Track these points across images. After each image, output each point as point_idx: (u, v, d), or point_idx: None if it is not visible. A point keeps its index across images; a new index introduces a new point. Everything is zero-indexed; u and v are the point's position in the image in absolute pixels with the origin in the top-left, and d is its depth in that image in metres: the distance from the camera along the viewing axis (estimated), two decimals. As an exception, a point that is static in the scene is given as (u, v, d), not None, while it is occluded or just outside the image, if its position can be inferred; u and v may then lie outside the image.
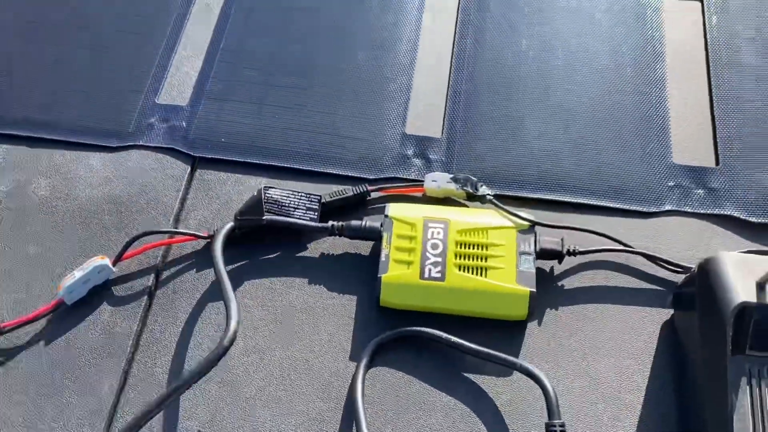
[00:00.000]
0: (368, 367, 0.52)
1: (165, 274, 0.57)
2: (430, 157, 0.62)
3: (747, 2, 0.70)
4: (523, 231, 0.55)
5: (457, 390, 0.52)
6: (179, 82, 0.67)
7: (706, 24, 0.70)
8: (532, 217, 0.56)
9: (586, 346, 0.54)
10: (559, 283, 0.56)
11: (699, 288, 0.49)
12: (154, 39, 0.69)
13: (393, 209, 0.56)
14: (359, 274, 0.56)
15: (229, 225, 0.56)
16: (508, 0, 0.71)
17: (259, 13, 0.71)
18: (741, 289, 0.45)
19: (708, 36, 0.69)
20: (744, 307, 0.44)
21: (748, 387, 0.44)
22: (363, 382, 0.51)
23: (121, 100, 0.66)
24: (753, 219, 0.58)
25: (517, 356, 0.53)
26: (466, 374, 0.52)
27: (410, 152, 0.63)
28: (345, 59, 0.68)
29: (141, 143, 0.63)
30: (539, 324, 0.55)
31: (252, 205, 0.56)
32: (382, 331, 0.54)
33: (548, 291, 0.56)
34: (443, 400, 0.51)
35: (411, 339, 0.53)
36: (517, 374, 0.52)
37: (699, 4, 0.71)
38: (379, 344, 0.53)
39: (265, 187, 0.57)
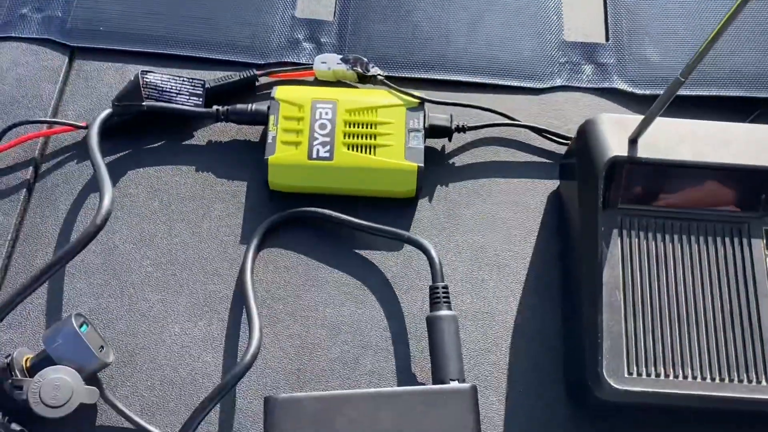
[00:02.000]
0: (258, 249, 0.52)
1: (44, 167, 0.54)
2: (322, 40, 0.61)
3: None
4: (412, 108, 0.55)
5: (348, 265, 0.52)
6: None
7: None
8: (422, 95, 0.55)
9: (475, 220, 0.54)
10: (450, 161, 0.57)
11: (578, 150, 0.50)
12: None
13: (280, 92, 0.55)
14: (249, 159, 0.55)
15: (106, 112, 0.53)
16: None
17: None
18: (614, 145, 0.46)
19: None
20: (615, 161, 0.46)
21: (619, 239, 0.46)
22: (253, 263, 0.51)
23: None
24: (638, 91, 0.59)
25: (407, 230, 0.54)
26: (357, 251, 0.53)
27: (301, 36, 0.61)
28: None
29: (13, 35, 0.60)
30: (430, 200, 0.55)
31: (130, 91, 0.53)
32: (272, 215, 0.53)
33: (440, 168, 0.56)
34: (334, 275, 0.52)
35: (302, 220, 0.53)
36: (406, 248, 0.53)
37: None
38: (269, 226, 0.52)
39: (142, 72, 0.54)
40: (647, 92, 0.59)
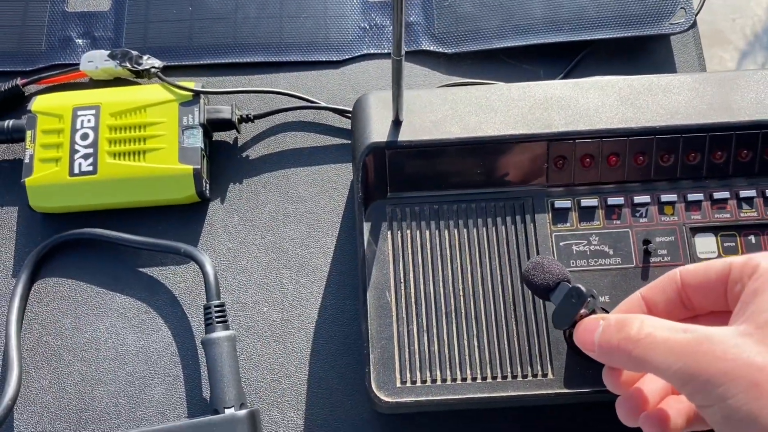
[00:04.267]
0: (31, 281, 0.47)
1: None
2: (96, 35, 0.54)
3: None
4: (186, 103, 0.49)
5: (132, 287, 0.48)
6: None
7: None
8: (200, 87, 0.50)
9: (273, 217, 0.49)
10: (244, 154, 0.52)
11: (352, 134, 0.45)
12: None
13: (38, 102, 0.49)
14: (18, 182, 0.49)
15: None
16: None
17: None
18: (376, 129, 0.41)
19: None
20: (374, 148, 0.41)
21: (389, 232, 0.41)
22: (23, 298, 0.46)
23: None
24: (448, 50, 0.53)
25: (197, 238, 0.49)
26: (141, 269, 0.48)
27: (74, 33, 0.54)
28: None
29: None
30: (222, 201, 0.50)
31: None
32: (46, 240, 0.48)
33: (231, 163, 0.51)
34: (117, 300, 0.47)
35: (78, 243, 0.49)
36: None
37: None
38: (39, 255, 0.48)
39: None
40: (457, 50, 0.53)
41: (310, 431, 0.44)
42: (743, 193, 0.41)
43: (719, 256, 0.40)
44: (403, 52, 0.34)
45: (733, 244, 0.40)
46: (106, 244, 0.48)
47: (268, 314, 0.47)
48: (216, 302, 0.44)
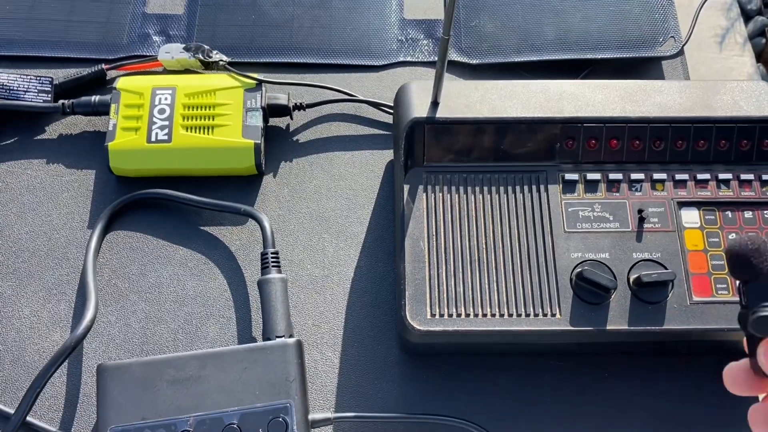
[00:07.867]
0: (105, 232, 0.54)
1: None
2: (171, 33, 0.63)
3: None
4: (250, 89, 0.57)
5: (193, 242, 0.55)
6: None
7: None
8: (261, 77, 0.58)
9: (318, 191, 0.57)
10: (294, 138, 0.60)
11: (394, 116, 0.53)
12: None
13: (122, 82, 0.57)
14: (98, 149, 0.58)
15: None
16: None
17: None
18: (417, 108, 0.49)
19: None
20: (415, 123, 0.49)
21: (424, 194, 0.49)
22: (98, 245, 0.53)
23: None
24: (472, 61, 0.62)
25: (252, 206, 0.56)
26: (202, 227, 0.55)
27: (151, 31, 0.63)
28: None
29: None
30: (274, 176, 0.58)
31: (-26, 90, 0.56)
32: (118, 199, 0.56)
33: (283, 145, 0.59)
34: (179, 252, 0.54)
35: (147, 202, 0.56)
36: (250, 222, 0.55)
37: None
38: (113, 210, 0.55)
39: (-14, 71, 0.57)
40: (481, 62, 0.62)
41: (344, 368, 0.50)
42: (722, 176, 0.49)
43: (701, 226, 0.48)
44: (450, 32, 0.42)
45: (713, 217, 0.48)
46: (172, 203, 0.56)
47: (311, 270, 0.54)
48: (272, 249, 0.51)
